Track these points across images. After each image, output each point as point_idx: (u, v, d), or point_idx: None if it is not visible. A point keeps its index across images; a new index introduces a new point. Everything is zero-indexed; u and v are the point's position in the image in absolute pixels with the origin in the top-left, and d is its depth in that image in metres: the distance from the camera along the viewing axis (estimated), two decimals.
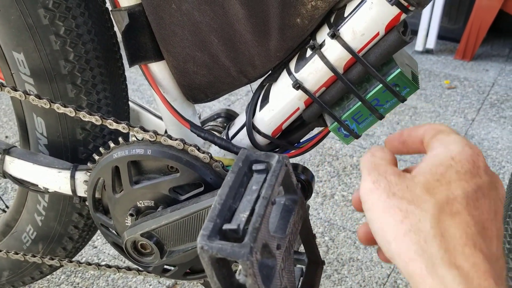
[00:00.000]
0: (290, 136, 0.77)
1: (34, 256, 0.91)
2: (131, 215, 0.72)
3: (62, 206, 0.88)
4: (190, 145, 0.68)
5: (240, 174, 0.48)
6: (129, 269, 0.90)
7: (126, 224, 0.75)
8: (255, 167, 0.49)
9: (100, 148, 0.73)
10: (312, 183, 0.73)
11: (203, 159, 0.69)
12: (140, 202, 0.72)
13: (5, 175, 0.80)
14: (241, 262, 0.39)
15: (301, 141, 0.78)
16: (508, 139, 1.92)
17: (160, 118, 0.96)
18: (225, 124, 0.94)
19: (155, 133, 0.69)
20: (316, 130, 0.78)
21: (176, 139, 0.69)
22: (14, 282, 1.07)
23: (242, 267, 0.39)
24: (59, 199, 0.87)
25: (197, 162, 0.69)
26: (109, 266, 0.90)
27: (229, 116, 0.98)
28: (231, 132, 0.79)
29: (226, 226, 0.42)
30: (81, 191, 0.78)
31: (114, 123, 0.70)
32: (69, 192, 0.79)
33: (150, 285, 1.29)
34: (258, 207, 0.44)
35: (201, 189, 0.69)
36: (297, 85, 0.68)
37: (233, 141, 0.78)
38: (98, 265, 0.90)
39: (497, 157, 1.82)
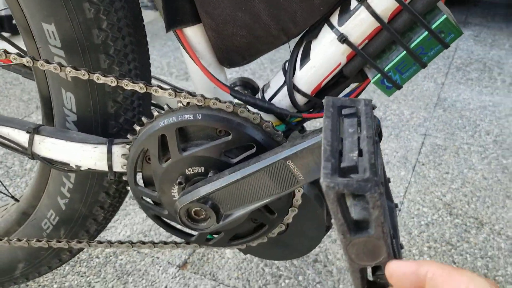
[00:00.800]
0: (327, 94, 0.77)
1: (59, 242, 0.87)
2: (180, 183, 0.71)
3: (89, 186, 0.85)
4: (240, 106, 0.68)
5: (334, 119, 0.49)
6: (143, 243, 0.87)
7: (172, 193, 0.74)
8: (345, 111, 0.50)
9: (142, 118, 0.70)
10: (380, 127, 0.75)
11: (253, 120, 0.68)
12: (189, 169, 0.71)
13: (34, 156, 0.76)
14: (369, 195, 0.40)
15: None
16: (478, 99, 2.02)
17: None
18: (245, 92, 0.93)
19: (203, 97, 0.68)
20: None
21: (225, 102, 0.68)
22: (29, 274, 1.02)
23: (370, 200, 0.40)
24: (86, 179, 0.84)
25: (248, 124, 0.68)
26: (143, 243, 0.88)
27: (246, 84, 0.97)
28: (268, 94, 0.79)
29: (345, 164, 0.42)
30: (118, 166, 0.76)
31: (160, 89, 0.69)
32: (105, 168, 0.76)
33: (160, 266, 1.27)
34: (366, 146, 0.44)
35: (253, 150, 0.69)
36: (343, 39, 0.68)
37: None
38: (137, 242, 0.87)
39: (471, 117, 1.91)
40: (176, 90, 0.69)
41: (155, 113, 0.70)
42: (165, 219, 0.79)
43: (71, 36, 0.70)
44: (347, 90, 0.79)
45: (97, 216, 0.90)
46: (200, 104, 0.68)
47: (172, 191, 0.73)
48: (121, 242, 0.85)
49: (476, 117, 1.90)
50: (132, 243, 0.85)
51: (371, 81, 0.72)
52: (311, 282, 1.21)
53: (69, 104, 0.77)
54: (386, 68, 0.70)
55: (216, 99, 0.68)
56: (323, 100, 0.51)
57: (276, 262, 1.27)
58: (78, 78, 0.71)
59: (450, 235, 1.34)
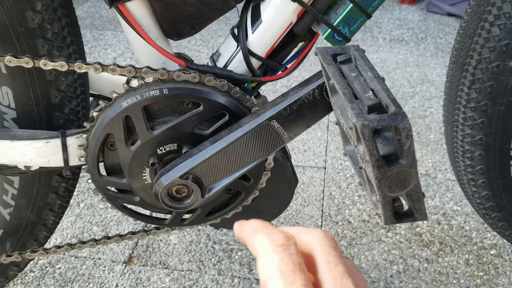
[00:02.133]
0: (278, 56, 0.78)
1: (9, 256, 0.78)
2: (153, 164, 0.68)
3: (36, 189, 0.77)
4: (206, 75, 0.66)
5: (335, 65, 0.50)
6: (108, 238, 0.82)
7: (144, 177, 0.70)
8: (340, 58, 0.52)
9: (100, 102, 0.65)
10: None
11: (221, 88, 0.67)
12: (160, 148, 0.68)
13: None
14: (402, 126, 0.42)
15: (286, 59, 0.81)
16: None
17: None
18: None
19: (166, 70, 0.65)
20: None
21: (189, 72, 0.66)
22: None
23: (403, 131, 0.42)
24: (32, 181, 0.76)
25: (217, 92, 0.67)
26: (83, 242, 0.81)
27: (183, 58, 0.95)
28: (221, 63, 0.77)
29: (369, 102, 0.44)
30: (75, 159, 0.70)
31: (118, 68, 0.64)
32: (60, 164, 0.70)
33: (104, 266, 1.20)
34: (379, 85, 0.46)
35: (226, 118, 0.68)
36: None
37: None
38: (77, 243, 0.81)
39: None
40: (135, 67, 0.65)
41: (114, 95, 0.66)
42: (131, 207, 0.75)
43: (2, 22, 0.62)
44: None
45: (46, 221, 0.82)
46: (163, 78, 0.65)
47: (143, 174, 0.69)
48: (83, 242, 0.79)
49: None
50: (95, 240, 0.79)
51: (322, 37, 0.74)
52: None
53: (5, 100, 0.68)
54: (336, 23, 0.73)
55: (180, 70, 0.65)
56: (316, 51, 0.52)
57: (224, 237, 1.27)
58: (14, 69, 0.64)
59: None
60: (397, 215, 0.50)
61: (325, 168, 1.52)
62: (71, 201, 1.39)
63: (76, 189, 1.45)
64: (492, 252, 1.23)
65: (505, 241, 1.23)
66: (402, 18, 2.51)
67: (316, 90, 0.61)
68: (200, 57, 2.13)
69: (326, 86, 0.59)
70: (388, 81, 1.97)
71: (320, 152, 1.59)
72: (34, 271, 1.18)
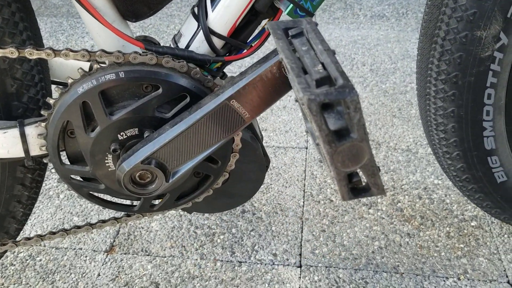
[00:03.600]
0: (241, 34, 0.77)
1: None
2: (114, 150, 0.66)
3: (0, 181, 0.75)
4: (163, 57, 0.64)
5: (285, 40, 0.49)
6: (78, 227, 0.81)
7: (107, 164, 0.68)
8: (292, 32, 0.50)
9: (56, 88, 0.64)
10: None
11: (181, 69, 0.65)
12: (121, 134, 0.66)
13: None
14: (350, 99, 0.41)
15: (250, 38, 0.79)
16: (348, 35, 2.15)
17: None
18: None
19: (121, 53, 0.63)
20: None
21: (146, 54, 0.64)
22: None
23: (351, 104, 0.41)
24: None
25: (176, 73, 0.65)
26: (53, 233, 0.80)
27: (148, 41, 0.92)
28: (182, 43, 0.75)
29: (317, 76, 0.43)
30: (36, 148, 0.68)
31: (71, 52, 0.62)
32: (21, 154, 0.68)
33: (85, 256, 1.19)
34: (328, 58, 0.45)
35: (187, 100, 0.66)
36: None
37: None
38: (44, 235, 0.80)
39: (346, 52, 2.04)
40: (89, 51, 0.63)
41: (69, 81, 0.64)
42: (98, 195, 0.74)
43: None
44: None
45: (15, 213, 0.80)
46: (119, 61, 0.63)
47: (106, 161, 0.68)
48: (53, 233, 0.78)
49: (350, 51, 2.03)
50: (65, 230, 0.78)
51: (285, 13, 0.72)
52: (245, 231, 1.23)
53: None
54: None
55: (136, 52, 0.64)
56: (266, 26, 0.51)
57: (206, 221, 1.26)
58: None
59: None
60: (354, 190, 0.49)
61: (306, 148, 1.52)
62: (51, 193, 1.38)
63: (55, 180, 1.44)
64: (473, 223, 1.23)
65: (485, 212, 1.23)
66: None
67: (274, 67, 0.59)
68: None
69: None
70: (369, 58, 1.96)
71: (302, 133, 1.58)
72: (14, 264, 1.17)
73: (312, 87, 0.42)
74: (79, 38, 2.18)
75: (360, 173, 0.50)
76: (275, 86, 0.60)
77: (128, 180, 0.65)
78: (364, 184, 0.49)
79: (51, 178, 1.41)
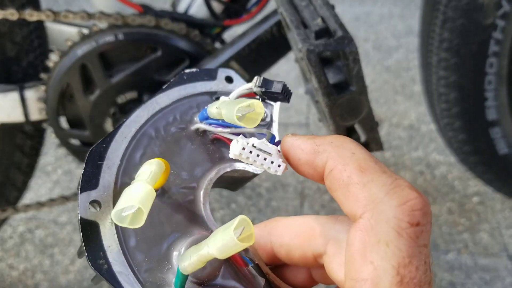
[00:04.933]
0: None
1: None
2: (114, 114, 0.66)
3: (0, 148, 0.75)
4: (163, 19, 0.64)
5: None
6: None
7: (106, 128, 0.68)
8: None
9: (54, 50, 0.63)
10: None
11: (180, 31, 0.65)
12: (120, 97, 0.66)
13: None
14: (348, 50, 0.41)
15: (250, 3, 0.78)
16: (350, 12, 2.13)
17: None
18: None
19: (120, 15, 0.62)
20: None
21: (145, 16, 0.63)
22: None
23: (350, 55, 0.41)
24: None
25: (176, 36, 0.65)
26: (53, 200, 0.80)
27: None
28: (181, 8, 0.75)
29: (316, 28, 0.42)
30: (35, 112, 0.68)
31: (70, 14, 0.61)
32: (21, 119, 0.68)
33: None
34: (327, 11, 0.45)
35: (187, 63, 0.66)
36: None
37: None
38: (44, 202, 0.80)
39: (348, 28, 2.02)
40: (88, 12, 0.63)
41: (69, 43, 0.63)
42: None
43: None
44: None
45: (15, 180, 0.81)
46: (118, 22, 0.63)
47: (105, 125, 0.68)
48: (52, 200, 0.78)
49: (352, 28, 2.01)
50: (66, 198, 0.78)
51: None
52: (245, 206, 1.23)
53: None
54: None
55: (135, 14, 0.63)
56: None
57: None
58: None
59: None
60: None
61: (306, 125, 1.51)
62: (49, 168, 1.38)
63: (52, 156, 1.44)
64: (474, 199, 1.23)
65: (487, 188, 1.23)
66: None
67: (273, 28, 0.59)
68: None
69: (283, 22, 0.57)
70: (372, 35, 1.94)
71: (302, 109, 1.57)
72: (13, 238, 1.18)
73: (311, 39, 0.41)
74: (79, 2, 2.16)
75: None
76: (275, 47, 0.60)
77: None
78: (363, 140, 0.48)
79: (49, 154, 1.41)
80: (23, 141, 0.77)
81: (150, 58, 0.64)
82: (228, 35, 0.80)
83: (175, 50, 0.64)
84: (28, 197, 1.29)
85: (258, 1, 0.77)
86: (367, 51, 1.85)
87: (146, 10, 0.70)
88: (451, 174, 1.31)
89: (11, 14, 0.60)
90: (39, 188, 1.32)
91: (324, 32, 0.42)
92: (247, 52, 0.59)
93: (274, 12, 0.60)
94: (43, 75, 0.65)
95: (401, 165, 1.34)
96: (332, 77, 0.44)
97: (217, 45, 0.79)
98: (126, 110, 0.67)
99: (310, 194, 1.27)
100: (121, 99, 0.66)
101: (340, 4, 2.17)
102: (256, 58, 0.60)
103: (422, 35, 0.91)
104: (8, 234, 1.20)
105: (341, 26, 0.42)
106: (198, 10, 0.73)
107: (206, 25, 0.72)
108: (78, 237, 1.17)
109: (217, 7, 0.73)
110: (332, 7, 0.45)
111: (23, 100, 0.66)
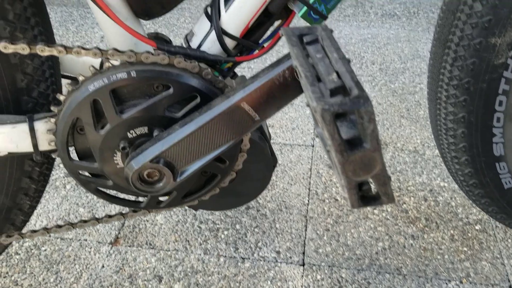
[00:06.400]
0: (254, 35, 0.76)
1: None
2: (123, 148, 0.66)
3: (8, 173, 0.76)
4: (175, 57, 0.64)
5: (299, 47, 0.48)
6: (84, 221, 0.81)
7: (116, 161, 0.69)
8: (307, 39, 0.50)
9: (66, 85, 0.64)
10: None
11: (192, 69, 0.65)
12: (131, 132, 0.66)
13: None
14: (364, 110, 0.41)
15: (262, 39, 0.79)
16: (357, 33, 2.14)
17: None
18: None
19: (133, 52, 0.63)
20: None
21: (158, 54, 0.64)
22: None
23: (365, 115, 0.41)
24: (4, 167, 0.75)
25: (188, 74, 0.65)
26: (59, 226, 0.80)
27: (161, 39, 0.92)
28: (194, 43, 0.75)
29: (332, 85, 0.43)
30: (45, 143, 0.68)
31: (83, 50, 0.62)
32: (29, 149, 0.68)
33: (90, 248, 1.20)
34: (343, 67, 0.45)
35: (198, 100, 0.66)
36: None
37: None
38: (50, 228, 0.80)
39: (355, 50, 2.03)
40: (101, 49, 0.63)
41: (80, 78, 0.64)
42: (105, 190, 0.74)
43: None
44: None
45: (22, 205, 0.81)
46: (131, 60, 0.63)
47: (115, 158, 0.68)
48: (59, 226, 0.78)
49: (359, 50, 2.02)
50: (71, 224, 0.78)
51: (299, 15, 0.72)
52: (249, 227, 1.23)
53: None
54: (312, 0, 0.71)
55: (148, 52, 0.64)
56: (281, 31, 0.50)
57: (210, 216, 1.26)
58: None
59: None
60: (364, 198, 0.49)
61: (313, 146, 1.51)
62: (57, 183, 1.38)
63: (62, 171, 1.44)
64: (477, 227, 1.23)
65: (490, 217, 1.23)
66: None
67: (286, 71, 0.59)
68: None
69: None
70: (379, 57, 1.94)
71: (308, 130, 1.58)
72: (19, 254, 1.18)
73: (326, 97, 0.42)
74: (89, 29, 2.17)
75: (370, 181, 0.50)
76: (287, 90, 0.60)
77: (136, 178, 0.65)
78: (374, 192, 0.49)
79: (58, 169, 1.41)
80: (31, 168, 0.77)
81: (162, 95, 0.64)
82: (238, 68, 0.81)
83: (187, 88, 0.64)
84: (36, 213, 1.29)
85: (270, 37, 0.78)
86: (374, 74, 1.85)
87: (159, 45, 0.70)
88: (454, 201, 1.31)
89: (22, 48, 0.60)
90: (47, 203, 1.32)
91: (339, 90, 0.42)
92: (258, 94, 0.59)
93: (287, 56, 0.60)
94: (53, 108, 0.65)
95: (405, 190, 1.34)
96: (345, 131, 0.44)
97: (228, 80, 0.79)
98: (136, 144, 0.67)
99: (314, 216, 1.27)
100: (131, 134, 0.66)
101: (347, 26, 2.19)
102: (267, 100, 0.60)
103: (432, 70, 0.91)
104: (14, 249, 1.20)
105: (357, 84, 0.42)
106: (211, 45, 0.74)
107: (219, 62, 0.72)
108: (83, 255, 1.17)
109: (230, 43, 0.74)
110: (348, 61, 0.46)
111: (32, 132, 0.66)
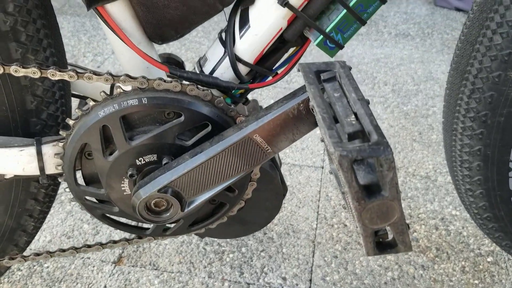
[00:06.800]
0: (267, 62, 0.75)
1: None
2: (131, 175, 0.65)
3: (14, 195, 0.74)
4: (188, 84, 0.63)
5: (317, 85, 0.47)
6: (88, 246, 0.80)
7: (123, 188, 0.67)
8: (324, 76, 0.48)
9: (76, 110, 0.62)
10: None
11: (204, 97, 0.64)
12: (139, 159, 0.65)
13: None
14: (384, 158, 0.39)
15: (276, 65, 0.77)
16: (371, 53, 2.12)
17: None
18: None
19: (146, 78, 0.61)
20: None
21: (170, 81, 0.62)
22: None
23: (385, 162, 0.39)
24: (10, 188, 0.73)
25: (200, 102, 0.63)
26: (63, 250, 0.78)
27: (168, 60, 0.91)
28: (207, 68, 0.74)
29: (350, 129, 0.41)
30: (51, 167, 0.67)
31: (94, 76, 0.61)
32: (36, 172, 0.67)
33: (93, 266, 1.18)
34: (362, 109, 0.43)
35: (209, 129, 0.64)
36: (284, 2, 0.66)
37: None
38: (53, 252, 0.78)
39: (368, 70, 2.01)
40: (113, 75, 0.62)
41: (90, 103, 0.62)
42: (112, 216, 0.73)
43: None
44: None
45: (26, 227, 0.79)
46: (143, 86, 0.62)
47: (122, 185, 0.67)
48: (62, 250, 0.77)
49: (372, 69, 2.01)
50: (76, 249, 0.77)
51: (314, 43, 0.71)
52: (255, 251, 1.21)
53: None
54: (328, 29, 0.69)
55: (160, 79, 0.62)
56: (299, 67, 0.49)
57: (215, 238, 1.24)
58: None
59: None
60: (380, 245, 0.47)
61: (322, 168, 1.49)
62: (62, 197, 1.37)
63: (67, 186, 1.43)
64: (489, 259, 1.20)
65: (503, 250, 1.20)
66: (409, 12, 2.45)
67: (301, 105, 0.57)
68: (201, 49, 2.09)
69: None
70: (392, 78, 1.93)
71: (318, 151, 1.56)
72: (21, 270, 1.17)
73: (344, 141, 0.40)
74: (101, 40, 2.18)
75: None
76: (301, 123, 0.58)
77: (143, 207, 0.63)
78: (390, 238, 0.47)
79: (64, 183, 1.40)
80: (37, 190, 0.76)
81: (172, 122, 0.63)
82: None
83: (199, 116, 0.63)
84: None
85: (284, 64, 0.76)
86: (386, 95, 1.84)
87: (172, 71, 0.69)
88: (466, 231, 1.28)
89: (33, 72, 0.59)
90: (51, 218, 1.31)
91: (358, 134, 0.41)
92: (271, 127, 0.58)
93: (302, 88, 0.59)
94: (62, 132, 0.64)
95: (416, 218, 1.31)
96: (363, 176, 0.42)
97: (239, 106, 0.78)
98: (145, 172, 0.65)
99: (322, 242, 1.24)
100: (139, 161, 0.65)
101: (360, 45, 2.17)
102: (280, 133, 0.58)
103: (448, 100, 0.89)
104: (16, 265, 1.18)
105: (377, 128, 0.40)
106: (224, 71, 0.72)
107: (232, 88, 0.71)
108: (86, 273, 1.15)
109: (243, 69, 0.72)
110: (367, 103, 0.44)
111: (39, 155, 0.65)
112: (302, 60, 0.84)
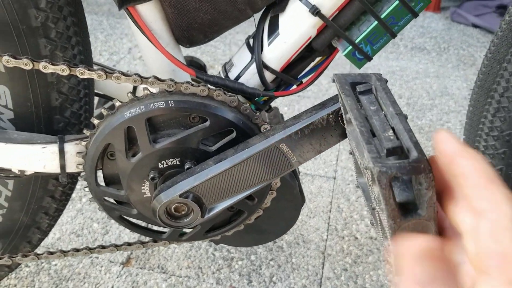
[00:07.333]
0: (293, 70, 0.74)
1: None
2: (153, 178, 0.64)
3: (31, 191, 0.74)
4: (215, 89, 0.62)
5: (353, 97, 0.46)
6: (103, 247, 0.79)
7: (143, 190, 0.66)
8: (360, 88, 0.47)
9: (102, 110, 0.62)
10: None
11: (231, 103, 0.63)
12: (162, 162, 0.64)
13: None
14: (424, 176, 0.38)
15: (301, 74, 0.77)
16: (386, 65, 2.11)
17: None
18: None
19: (173, 81, 0.61)
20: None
21: (198, 85, 0.62)
22: None
23: (425, 181, 0.38)
24: (28, 184, 0.73)
25: (226, 107, 0.63)
26: (77, 250, 0.77)
27: (191, 63, 0.90)
28: (233, 73, 0.73)
29: (389, 145, 0.40)
30: (73, 166, 0.66)
31: (123, 76, 0.60)
32: (56, 170, 0.66)
33: (101, 266, 1.18)
34: (400, 124, 0.42)
35: (233, 135, 0.64)
36: (316, 11, 0.65)
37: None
38: (76, 250, 0.77)
39: None
40: (142, 76, 0.61)
41: (117, 104, 0.62)
42: (129, 218, 0.72)
43: (2, 19, 0.58)
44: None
45: (41, 224, 0.79)
46: (170, 89, 0.61)
47: (143, 188, 0.66)
48: (76, 250, 0.76)
49: (388, 82, 1.99)
50: (90, 249, 0.76)
51: (342, 54, 0.70)
52: (264, 260, 1.20)
53: (3, 99, 0.65)
54: (358, 40, 0.69)
55: (188, 83, 0.62)
56: (333, 78, 0.48)
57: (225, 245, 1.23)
58: (13, 68, 0.60)
59: None
60: None
61: (334, 178, 1.48)
62: (73, 195, 1.37)
63: (78, 183, 1.43)
64: None
65: None
66: (426, 26, 2.44)
67: (331, 116, 0.56)
68: (216, 54, 2.08)
69: (342, 112, 0.55)
70: (407, 91, 1.91)
71: (331, 161, 1.55)
72: (29, 266, 1.16)
73: (382, 157, 0.39)
74: (117, 39, 2.18)
75: None
76: (329, 135, 0.57)
77: (164, 211, 0.63)
78: None
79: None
80: (55, 188, 0.75)
81: (198, 127, 0.62)
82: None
83: (224, 122, 0.62)
84: None
85: (310, 73, 0.76)
86: (401, 108, 1.82)
87: (199, 75, 0.69)
88: None
89: (62, 70, 0.58)
90: (61, 215, 1.30)
91: (396, 150, 0.40)
92: (299, 137, 0.57)
93: (332, 99, 0.58)
94: (85, 131, 0.63)
95: None
96: (399, 193, 0.41)
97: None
98: (166, 175, 0.65)
99: (333, 254, 1.23)
100: (162, 165, 0.64)
101: (376, 56, 2.15)
102: (307, 143, 0.58)
103: (471, 118, 0.88)
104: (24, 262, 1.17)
105: (416, 145, 0.39)
106: (250, 77, 0.72)
107: (257, 95, 0.70)
108: (94, 273, 1.15)
109: (269, 76, 0.72)
110: (405, 118, 0.43)
111: (62, 153, 0.64)
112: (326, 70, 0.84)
